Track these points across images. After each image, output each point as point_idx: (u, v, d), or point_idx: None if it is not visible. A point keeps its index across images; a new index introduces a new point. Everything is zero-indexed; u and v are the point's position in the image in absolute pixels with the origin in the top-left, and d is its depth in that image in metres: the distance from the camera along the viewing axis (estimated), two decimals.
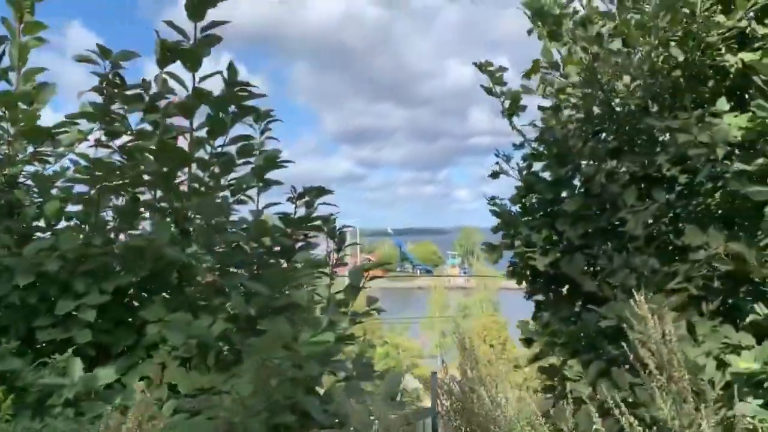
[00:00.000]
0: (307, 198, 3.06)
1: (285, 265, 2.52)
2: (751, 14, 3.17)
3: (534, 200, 4.07)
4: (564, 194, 3.96)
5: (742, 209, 2.93)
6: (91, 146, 2.33)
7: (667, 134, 3.16)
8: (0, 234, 2.25)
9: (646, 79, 3.30)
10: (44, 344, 2.22)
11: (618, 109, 3.71)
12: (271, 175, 2.75)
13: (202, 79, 2.31)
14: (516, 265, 4.13)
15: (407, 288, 73.86)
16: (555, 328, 3.55)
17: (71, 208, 2.49)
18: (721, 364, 2.72)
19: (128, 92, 2.29)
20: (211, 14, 2.26)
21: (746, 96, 3.12)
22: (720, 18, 3.12)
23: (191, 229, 2.29)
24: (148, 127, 2.28)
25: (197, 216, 2.23)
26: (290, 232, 2.76)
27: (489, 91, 4.17)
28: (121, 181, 2.20)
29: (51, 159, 2.52)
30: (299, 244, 2.99)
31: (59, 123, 2.31)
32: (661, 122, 3.04)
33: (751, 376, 2.53)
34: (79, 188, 2.36)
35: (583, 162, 3.97)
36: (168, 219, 2.27)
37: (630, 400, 2.87)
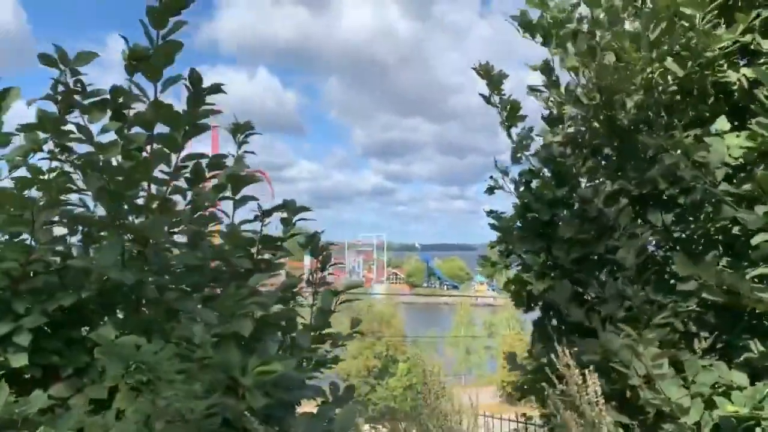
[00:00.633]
0: (285, 215, 2.98)
1: (246, 287, 2.42)
2: (756, 27, 2.99)
3: (530, 218, 3.90)
4: (561, 214, 3.78)
5: (742, 235, 2.72)
6: (42, 159, 2.25)
7: (662, 153, 2.97)
8: None
9: (640, 95, 3.12)
10: None
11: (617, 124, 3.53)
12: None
13: (165, 87, 2.23)
14: (513, 287, 3.98)
15: (433, 303, 73.48)
16: (543, 361, 3.37)
17: None
18: (711, 405, 2.51)
19: (90, 100, 2.21)
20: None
21: (747, 115, 2.93)
22: (721, 31, 2.94)
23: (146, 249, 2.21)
24: (109, 138, 2.21)
25: (149, 235, 2.14)
26: (256, 252, 2.67)
27: (487, 100, 4.01)
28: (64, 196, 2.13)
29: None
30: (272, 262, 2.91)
31: (11, 132, 2.25)
32: (655, 141, 2.86)
33: (740, 421, 2.32)
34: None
35: (582, 181, 3.81)
36: (124, 238, 2.20)
37: None
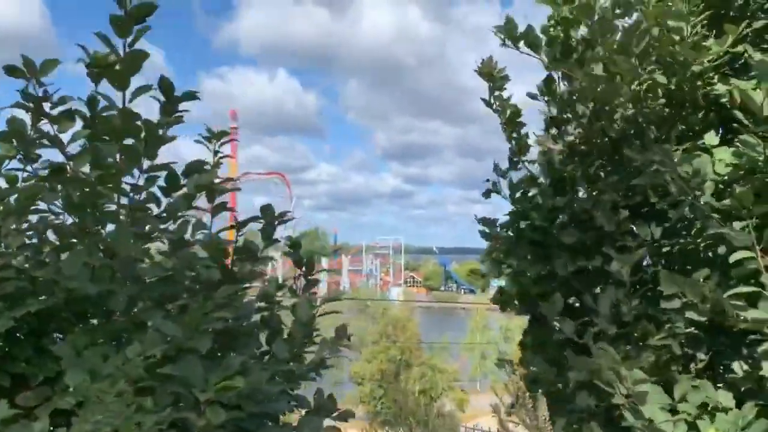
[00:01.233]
0: (265, 225, 2.95)
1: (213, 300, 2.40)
2: (748, 38, 2.90)
3: (525, 226, 3.83)
4: (558, 221, 3.71)
5: (728, 252, 2.63)
6: (9, 170, 2.27)
7: (647, 167, 2.89)
8: None
9: (629, 107, 3.05)
10: None
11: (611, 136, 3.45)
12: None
13: (135, 96, 2.23)
14: (504, 292, 3.91)
15: (450, 307, 73.25)
16: (535, 374, 3.31)
17: None
18: (695, 428, 2.43)
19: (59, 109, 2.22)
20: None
21: (729, 130, 2.84)
22: (711, 42, 2.85)
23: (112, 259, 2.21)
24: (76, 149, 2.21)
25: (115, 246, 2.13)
26: (230, 263, 2.65)
27: (488, 104, 3.93)
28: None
29: None
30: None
31: None
32: (640, 155, 2.79)
33: None
34: None
35: (581, 190, 3.73)
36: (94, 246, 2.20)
37: None
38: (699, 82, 2.91)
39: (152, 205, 2.49)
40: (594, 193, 3.58)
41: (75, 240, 2.26)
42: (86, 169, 2.27)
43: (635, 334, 2.98)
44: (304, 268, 3.14)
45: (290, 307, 3.04)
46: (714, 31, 2.89)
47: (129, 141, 2.23)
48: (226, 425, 2.24)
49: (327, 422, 2.88)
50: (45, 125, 2.26)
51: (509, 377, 3.77)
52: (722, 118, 2.98)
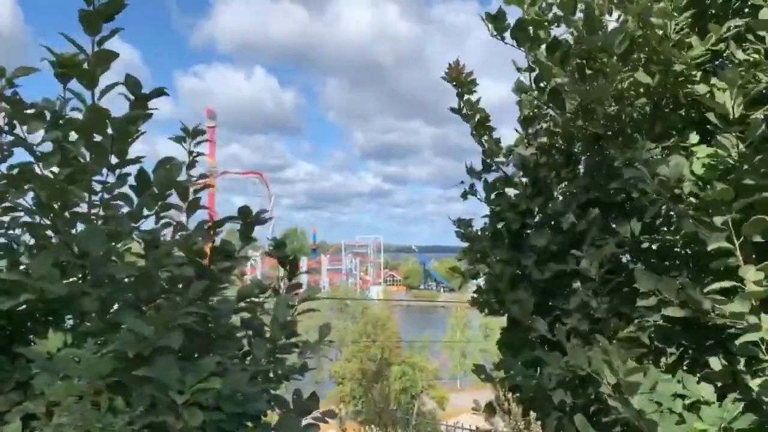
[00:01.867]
0: (243, 225, 2.91)
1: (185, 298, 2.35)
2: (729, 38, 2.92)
3: (501, 227, 3.83)
4: (532, 223, 3.72)
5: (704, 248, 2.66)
6: None
7: (625, 166, 2.91)
8: None
9: (613, 105, 3.07)
10: None
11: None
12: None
13: (103, 94, 2.17)
14: (481, 294, 3.91)
15: (430, 305, 73.46)
16: (513, 377, 3.30)
17: None
18: (682, 421, 2.44)
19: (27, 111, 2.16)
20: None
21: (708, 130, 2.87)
22: (694, 41, 2.87)
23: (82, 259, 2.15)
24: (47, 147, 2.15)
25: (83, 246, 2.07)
26: (206, 262, 2.60)
27: (457, 111, 3.92)
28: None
29: None
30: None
31: None
32: (623, 153, 2.80)
33: None
34: None
35: (556, 190, 3.74)
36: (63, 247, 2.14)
37: None
38: (681, 80, 2.93)
39: (124, 205, 2.44)
40: (567, 195, 3.60)
41: (44, 241, 2.19)
42: (56, 169, 2.22)
43: (608, 329, 2.99)
44: (287, 269, 3.11)
45: (271, 308, 3.01)
46: (696, 29, 2.91)
47: (97, 138, 2.17)
48: (206, 426, 2.20)
49: (309, 421, 2.86)
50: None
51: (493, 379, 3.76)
52: (703, 117, 3.01)
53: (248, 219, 2.82)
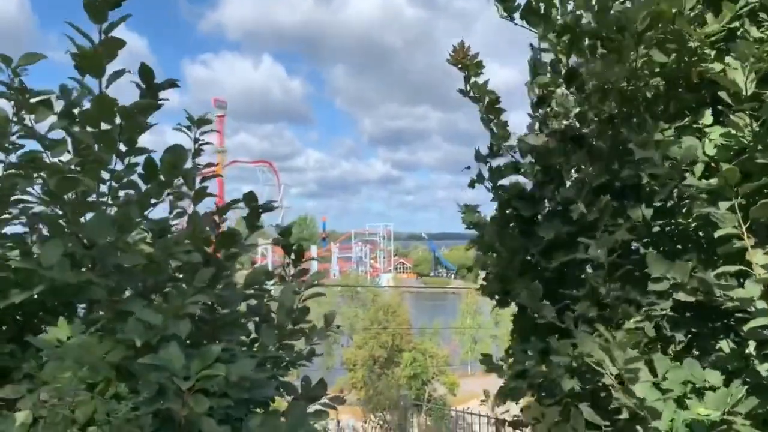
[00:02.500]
0: (248, 213, 2.91)
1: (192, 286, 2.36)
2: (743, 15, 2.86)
3: (509, 214, 3.79)
4: (543, 212, 3.68)
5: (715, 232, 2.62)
6: None
7: (637, 148, 2.87)
8: None
9: (626, 85, 3.01)
10: None
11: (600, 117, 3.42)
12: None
13: (110, 82, 2.17)
14: (490, 283, 3.89)
15: (440, 292, 73.58)
16: (521, 365, 3.30)
17: None
18: (683, 407, 2.43)
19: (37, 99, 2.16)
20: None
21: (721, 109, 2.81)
22: (708, 17, 2.81)
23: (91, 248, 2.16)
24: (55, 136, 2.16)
25: (91, 235, 2.08)
26: (211, 250, 2.61)
27: (465, 93, 3.85)
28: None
29: None
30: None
31: None
32: (637, 135, 2.76)
33: (712, 424, 2.24)
34: None
35: (567, 177, 3.69)
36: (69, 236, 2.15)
37: None
38: (695, 59, 2.87)
39: (134, 194, 2.44)
40: (577, 181, 3.55)
41: (53, 230, 2.20)
42: (65, 158, 2.22)
43: (617, 316, 2.97)
44: (293, 256, 3.12)
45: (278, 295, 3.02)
46: (711, 6, 2.86)
47: (105, 127, 2.17)
48: (213, 413, 2.22)
49: (318, 407, 2.87)
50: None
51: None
52: (716, 97, 2.96)
53: (254, 205, 2.82)
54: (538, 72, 3.77)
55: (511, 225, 3.81)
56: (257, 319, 3.02)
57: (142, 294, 2.34)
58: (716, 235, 2.33)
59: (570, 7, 3.41)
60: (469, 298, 43.20)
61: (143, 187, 2.46)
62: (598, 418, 2.84)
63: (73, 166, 2.16)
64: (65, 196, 2.07)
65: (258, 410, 2.63)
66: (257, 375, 2.45)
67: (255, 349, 2.75)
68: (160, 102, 2.29)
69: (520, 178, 3.88)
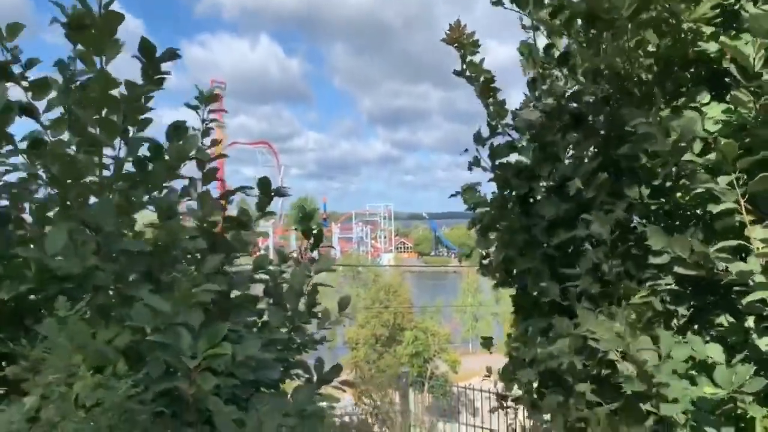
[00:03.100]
0: (260, 197, 2.91)
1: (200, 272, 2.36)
2: None
3: (508, 194, 3.80)
4: (540, 189, 3.69)
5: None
6: None
7: (639, 125, 2.87)
8: None
9: (622, 64, 3.00)
10: None
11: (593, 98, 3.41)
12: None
13: (109, 57, 2.14)
14: (490, 263, 3.92)
15: (441, 271, 73.82)
16: (523, 353, 3.33)
17: None
18: (692, 382, 2.46)
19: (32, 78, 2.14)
20: None
21: (722, 86, 2.81)
22: None
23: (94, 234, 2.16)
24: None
25: (95, 220, 2.08)
26: (216, 233, 2.63)
27: (460, 73, 3.84)
28: None
29: None
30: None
31: None
32: (635, 113, 2.75)
33: (719, 404, 2.28)
34: None
35: (564, 154, 3.69)
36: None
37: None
38: (690, 38, 2.86)
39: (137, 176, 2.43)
40: (575, 159, 3.55)
41: (55, 214, 2.20)
42: (65, 137, 2.21)
43: (620, 292, 3.00)
44: (312, 241, 3.12)
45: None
46: None
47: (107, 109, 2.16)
48: (220, 393, 2.25)
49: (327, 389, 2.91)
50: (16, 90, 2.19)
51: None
52: (712, 75, 2.95)
53: (267, 192, 2.83)
54: (531, 55, 3.78)
55: (510, 205, 3.82)
56: (270, 301, 3.04)
57: (150, 278, 2.35)
58: (715, 210, 2.34)
59: None
60: (470, 277, 43.32)
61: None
62: (598, 398, 2.89)
63: (73, 147, 2.14)
64: (67, 181, 2.07)
65: (266, 392, 2.67)
66: (263, 355, 2.48)
67: (262, 330, 2.77)
68: (163, 76, 2.27)
69: (517, 157, 3.90)
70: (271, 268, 3.01)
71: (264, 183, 2.90)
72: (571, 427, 3.01)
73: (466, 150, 3.86)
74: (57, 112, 2.24)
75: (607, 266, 2.91)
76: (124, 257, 2.25)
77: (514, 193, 3.74)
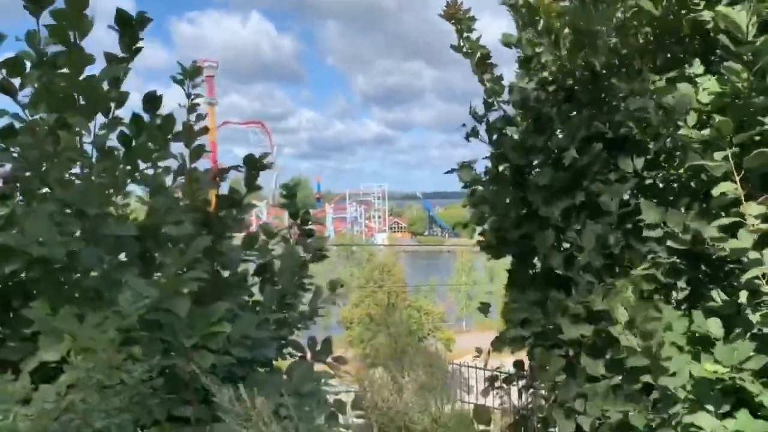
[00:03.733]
0: (248, 173, 2.88)
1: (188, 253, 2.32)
2: None
3: (504, 167, 3.81)
4: (535, 161, 3.69)
5: (708, 182, 2.62)
6: None
7: (631, 97, 2.84)
8: None
9: (614, 37, 2.97)
10: None
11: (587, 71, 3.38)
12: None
13: (85, 33, 2.08)
14: (487, 236, 3.92)
15: (435, 250, 74.07)
16: (521, 313, 3.34)
17: None
18: (695, 357, 2.47)
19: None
20: None
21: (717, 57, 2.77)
22: None
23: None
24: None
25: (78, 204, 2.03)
26: (210, 212, 2.59)
27: (457, 49, 3.83)
28: None
29: None
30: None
31: None
32: (626, 84, 2.73)
33: (719, 381, 2.28)
34: None
35: (558, 127, 3.68)
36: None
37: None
38: (684, 10, 2.82)
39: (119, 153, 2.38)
40: (569, 128, 3.55)
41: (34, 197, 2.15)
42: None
43: (624, 264, 3.01)
44: (299, 220, 3.11)
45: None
46: None
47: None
48: (217, 372, 2.24)
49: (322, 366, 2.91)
50: None
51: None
52: (706, 46, 2.92)
53: (254, 167, 2.80)
54: (510, 42, 3.79)
55: (505, 178, 3.83)
56: (261, 279, 3.03)
57: (142, 258, 2.31)
58: (714, 192, 2.32)
59: None
60: (464, 257, 43.42)
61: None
62: (600, 367, 2.90)
63: (51, 123, 2.08)
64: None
65: (261, 370, 2.66)
66: (259, 334, 2.47)
67: (258, 309, 2.76)
68: (140, 45, 2.21)
69: (513, 130, 3.90)
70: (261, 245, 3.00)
71: (250, 158, 2.88)
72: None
73: (464, 125, 3.88)
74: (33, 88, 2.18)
75: (613, 238, 2.92)
76: (110, 240, 2.20)
77: (509, 166, 3.74)
